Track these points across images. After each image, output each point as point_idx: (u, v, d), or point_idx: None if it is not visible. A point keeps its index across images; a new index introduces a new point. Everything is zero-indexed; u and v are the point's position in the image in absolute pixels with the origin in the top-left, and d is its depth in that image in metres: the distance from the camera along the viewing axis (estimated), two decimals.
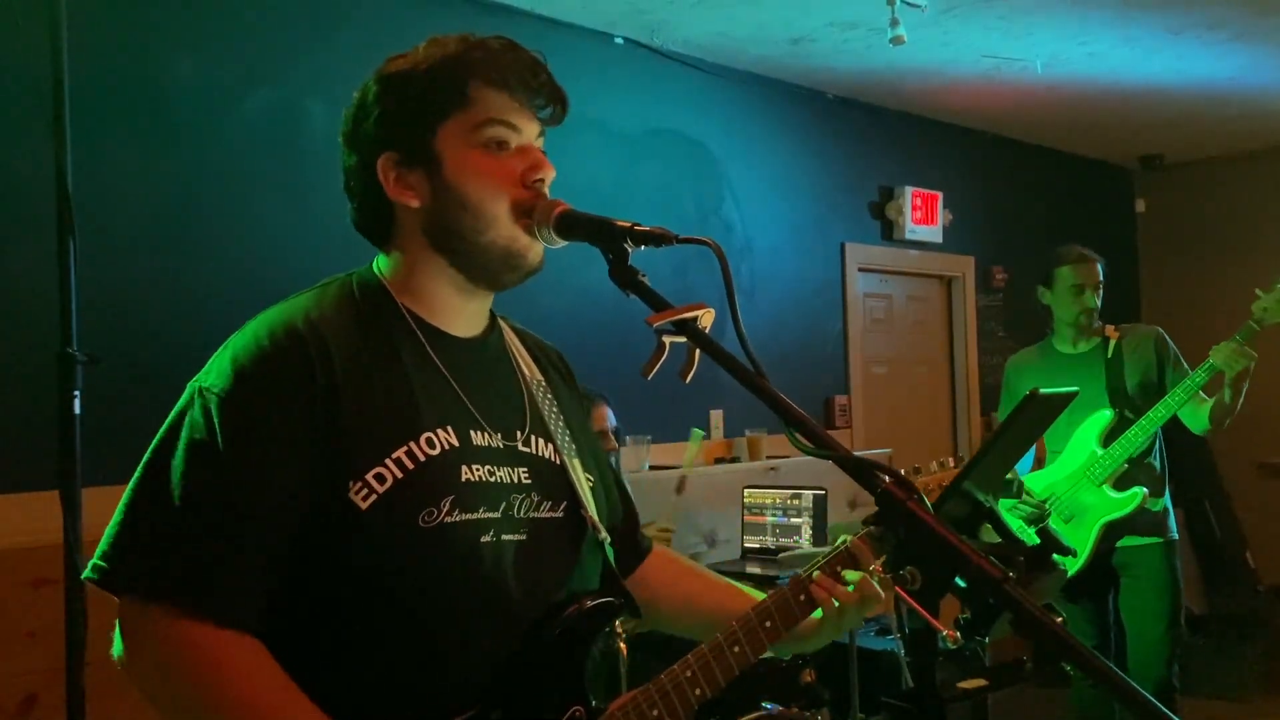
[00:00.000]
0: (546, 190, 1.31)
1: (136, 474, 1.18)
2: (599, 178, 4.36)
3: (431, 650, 1.20)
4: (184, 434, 1.17)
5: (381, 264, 1.35)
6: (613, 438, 3.47)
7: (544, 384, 1.43)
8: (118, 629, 1.16)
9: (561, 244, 1.29)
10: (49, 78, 2.45)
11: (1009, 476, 3.50)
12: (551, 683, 1.26)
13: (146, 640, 1.14)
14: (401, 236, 1.31)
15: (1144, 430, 3.46)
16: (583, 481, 1.38)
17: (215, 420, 1.16)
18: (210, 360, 1.24)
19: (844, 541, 1.42)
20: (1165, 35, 4.68)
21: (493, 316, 1.42)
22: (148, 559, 1.13)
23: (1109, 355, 3.62)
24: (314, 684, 1.16)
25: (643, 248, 1.20)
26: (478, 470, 1.25)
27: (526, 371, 1.42)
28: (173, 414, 1.20)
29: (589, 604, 1.29)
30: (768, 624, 1.38)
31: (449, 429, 1.25)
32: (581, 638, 1.29)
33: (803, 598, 1.39)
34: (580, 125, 4.34)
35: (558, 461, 1.36)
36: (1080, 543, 3.49)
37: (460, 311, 1.34)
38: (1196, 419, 3.52)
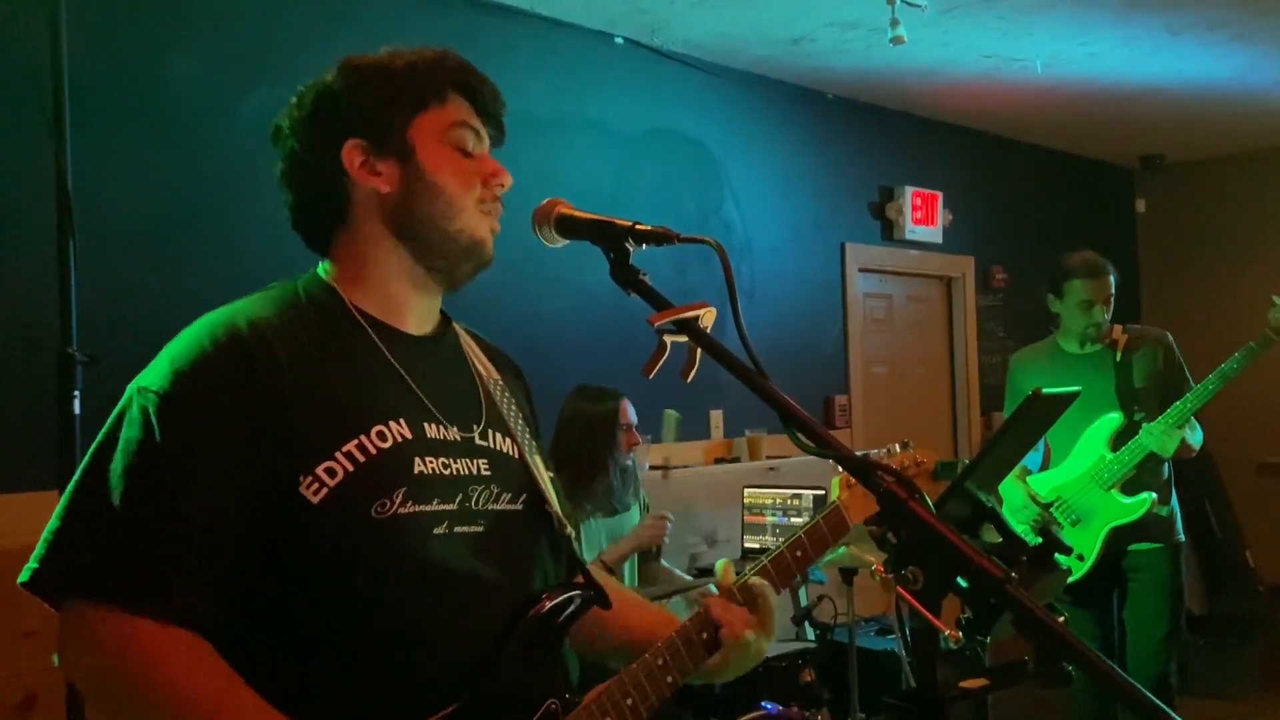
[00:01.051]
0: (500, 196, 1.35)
1: (75, 476, 1.17)
2: (599, 178, 4.36)
3: (389, 643, 1.19)
4: (123, 434, 1.16)
5: (327, 267, 1.36)
6: (636, 433, 3.48)
7: (501, 383, 1.43)
8: (71, 631, 1.13)
9: (562, 243, 1.29)
10: (49, 78, 2.46)
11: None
12: (525, 678, 1.26)
13: (87, 643, 1.12)
14: (357, 226, 1.32)
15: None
16: (544, 476, 1.38)
17: (154, 420, 1.15)
18: (151, 363, 1.23)
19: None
20: (1165, 35, 4.68)
21: (445, 317, 1.42)
22: (86, 560, 1.11)
23: (1118, 358, 3.58)
24: (272, 682, 1.14)
25: (644, 247, 1.20)
26: (431, 463, 1.25)
27: (483, 370, 1.42)
28: (112, 416, 1.19)
29: (559, 597, 1.29)
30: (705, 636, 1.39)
31: (401, 421, 1.24)
32: (553, 631, 1.29)
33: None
34: (580, 125, 4.35)
35: (517, 455, 1.36)
36: (1087, 546, 3.47)
37: (413, 308, 1.34)
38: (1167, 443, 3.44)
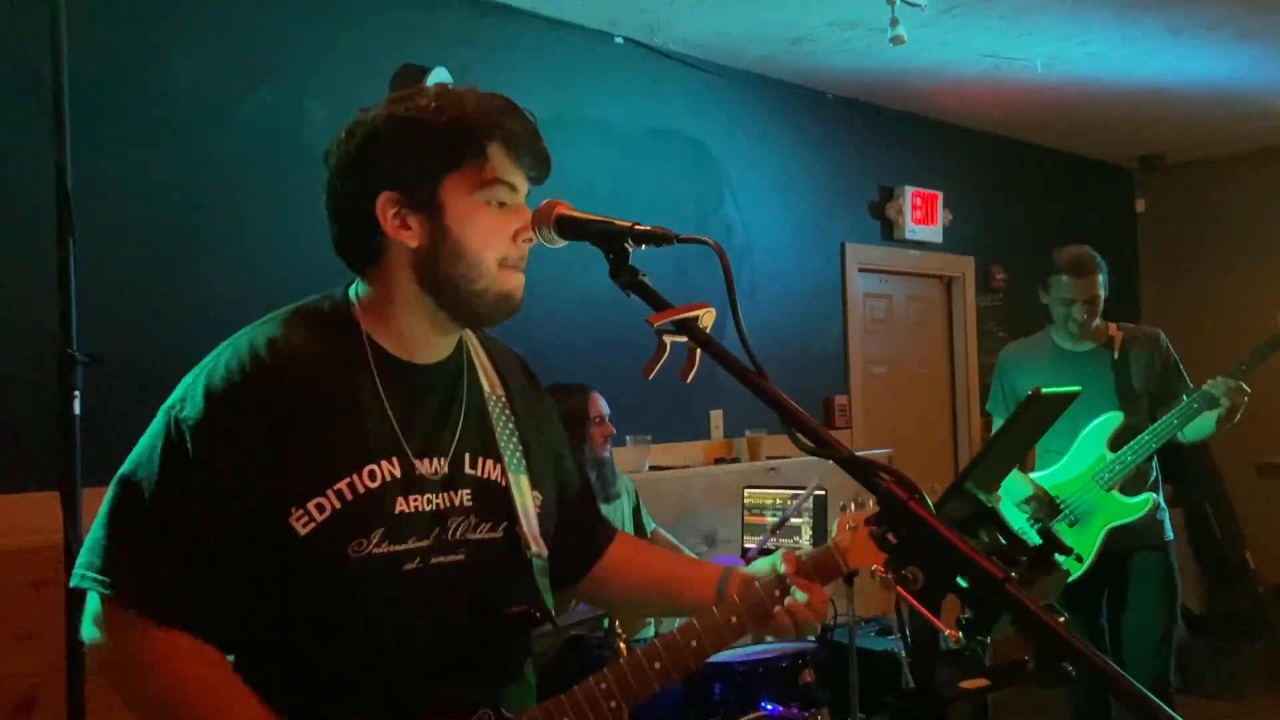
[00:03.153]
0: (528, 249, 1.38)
1: (113, 488, 1.29)
2: (599, 178, 4.36)
3: (352, 667, 1.30)
4: (158, 457, 1.27)
5: (360, 289, 1.41)
6: (610, 424, 3.49)
7: (502, 398, 1.48)
8: (90, 618, 1.27)
9: (562, 244, 1.30)
10: (49, 78, 2.45)
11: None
12: (464, 690, 1.33)
13: (114, 640, 1.26)
14: (387, 270, 1.37)
15: (1157, 436, 3.39)
16: (528, 498, 1.44)
17: (188, 445, 1.26)
18: (184, 384, 1.33)
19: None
20: (1165, 35, 4.68)
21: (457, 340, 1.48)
22: (120, 567, 1.24)
23: (1115, 356, 3.56)
24: (262, 683, 1.27)
25: (643, 247, 1.21)
26: (415, 500, 1.33)
27: (486, 387, 1.47)
28: (148, 435, 1.30)
29: (503, 614, 1.37)
30: (733, 620, 1.45)
31: (393, 460, 1.32)
32: (495, 646, 1.36)
33: (776, 607, 1.46)
34: (580, 125, 4.34)
35: (503, 483, 1.42)
36: (1085, 546, 3.45)
37: (430, 344, 1.41)
38: (1203, 427, 3.43)
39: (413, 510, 1.33)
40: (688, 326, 1.13)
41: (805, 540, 4.17)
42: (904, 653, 3.74)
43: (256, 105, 3.44)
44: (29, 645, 2.73)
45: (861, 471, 1.00)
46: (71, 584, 1.27)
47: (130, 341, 3.07)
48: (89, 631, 1.27)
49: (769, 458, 4.64)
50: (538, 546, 1.43)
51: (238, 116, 3.40)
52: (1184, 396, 3.43)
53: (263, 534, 1.25)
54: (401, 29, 3.77)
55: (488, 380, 1.48)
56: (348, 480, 1.28)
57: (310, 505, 1.26)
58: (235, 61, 3.41)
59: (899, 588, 0.96)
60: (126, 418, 3.00)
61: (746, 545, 4.24)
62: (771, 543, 3.64)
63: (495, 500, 1.41)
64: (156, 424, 1.30)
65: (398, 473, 1.32)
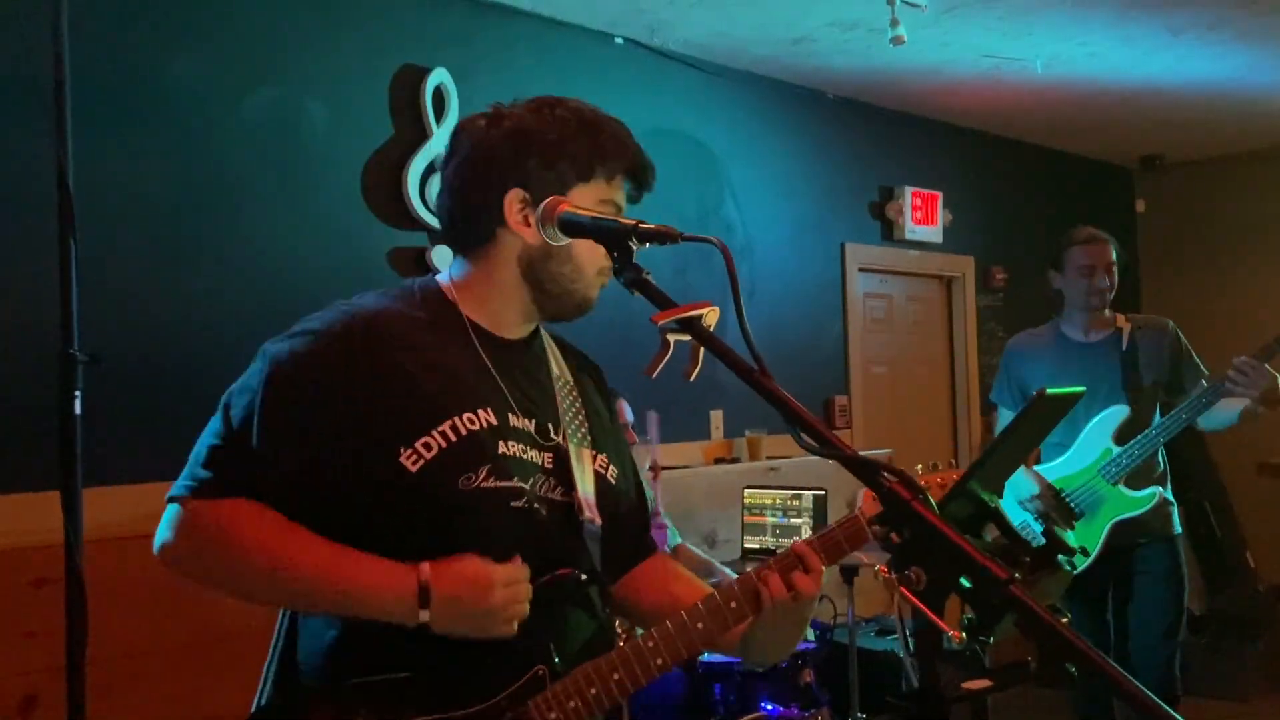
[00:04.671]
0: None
1: (220, 408, 1.40)
2: None
3: None
4: (249, 384, 1.38)
5: (455, 270, 1.52)
6: (634, 432, 3.50)
7: (571, 383, 1.59)
8: (164, 524, 1.38)
9: (565, 241, 1.30)
10: (50, 77, 2.45)
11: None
12: (518, 642, 1.37)
13: (184, 525, 1.36)
14: (494, 255, 1.48)
15: (1165, 431, 3.37)
16: (586, 467, 1.52)
17: (268, 383, 1.37)
18: (289, 331, 1.44)
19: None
20: (1165, 35, 4.68)
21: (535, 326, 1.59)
22: (201, 469, 1.36)
23: (1124, 348, 3.53)
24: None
25: (647, 246, 1.21)
26: (514, 446, 1.44)
27: (557, 370, 1.59)
28: (251, 371, 1.41)
29: (556, 573, 1.43)
30: (732, 604, 1.46)
31: (489, 410, 1.43)
32: (547, 603, 1.41)
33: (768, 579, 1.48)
34: None
35: (567, 449, 1.51)
36: (1090, 539, 3.43)
37: (516, 324, 1.53)
38: (1225, 417, 3.41)
39: (513, 454, 1.43)
40: (691, 325, 1.13)
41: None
42: (905, 653, 3.74)
43: (256, 105, 3.44)
44: (29, 645, 2.73)
45: (864, 471, 1.00)
46: (167, 497, 1.37)
47: (130, 341, 3.07)
48: (161, 536, 1.37)
49: (769, 458, 4.64)
50: (591, 514, 1.49)
51: (238, 116, 3.40)
52: (1190, 390, 3.42)
53: (369, 474, 1.35)
54: (401, 29, 3.77)
55: (557, 365, 1.59)
56: (450, 422, 1.38)
57: (418, 444, 1.36)
58: (235, 61, 3.41)
59: (902, 588, 0.96)
60: (126, 418, 3.04)
61: (747, 545, 4.24)
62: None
63: (564, 466, 1.49)
64: (258, 362, 1.40)
65: (494, 420, 1.42)
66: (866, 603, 3.99)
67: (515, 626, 1.35)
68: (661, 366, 1.19)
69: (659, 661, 1.41)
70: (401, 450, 1.35)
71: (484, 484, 1.38)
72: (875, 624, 4.33)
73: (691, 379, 1.15)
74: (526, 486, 1.43)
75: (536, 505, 1.43)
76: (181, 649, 3.00)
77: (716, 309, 1.17)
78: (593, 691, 1.38)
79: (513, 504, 1.41)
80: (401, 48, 3.75)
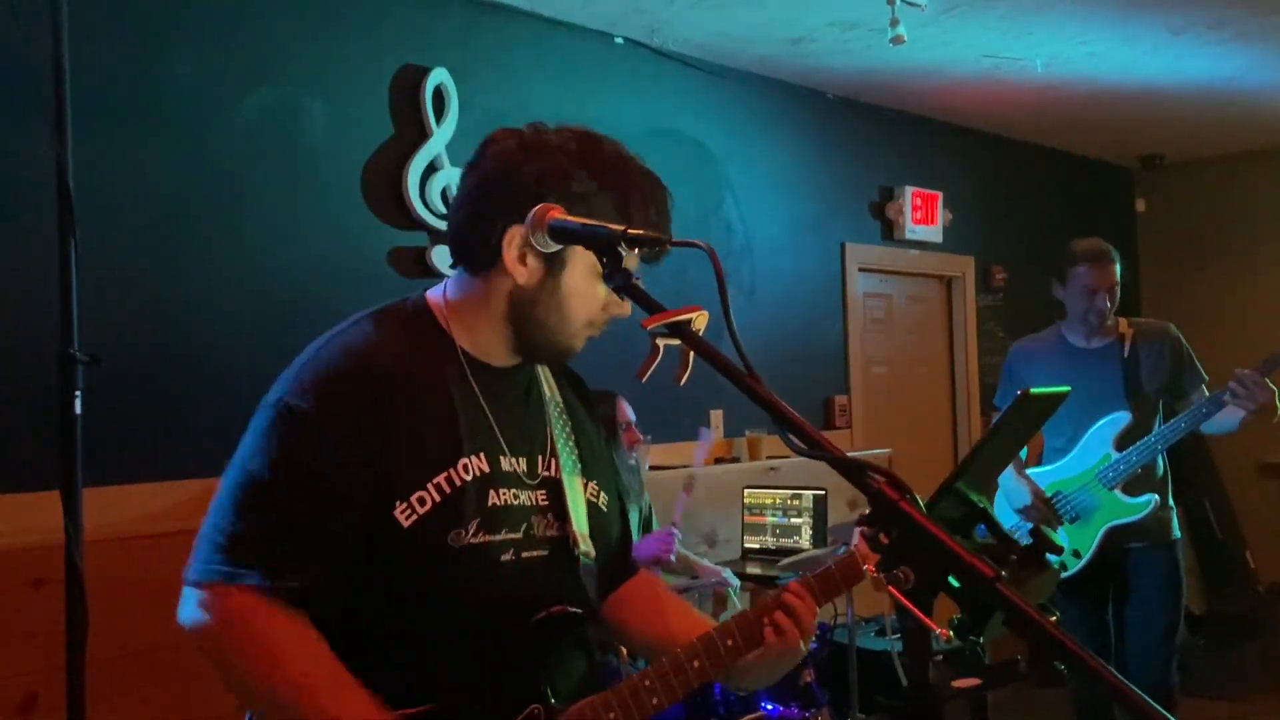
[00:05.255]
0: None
1: (225, 481, 1.33)
2: None
3: (435, 653, 1.36)
4: (272, 445, 1.32)
5: (452, 287, 1.46)
6: (637, 431, 3.48)
7: (562, 405, 1.56)
8: (195, 602, 1.30)
9: (555, 248, 1.30)
10: (50, 77, 2.46)
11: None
12: (513, 682, 1.37)
13: (224, 620, 1.29)
14: (490, 284, 1.42)
15: (1164, 439, 3.38)
16: (579, 497, 1.49)
17: (300, 433, 1.31)
18: (283, 379, 1.37)
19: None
20: (1165, 35, 4.69)
21: None
22: (240, 551, 1.29)
23: (1125, 354, 3.53)
24: (351, 659, 1.31)
25: (636, 251, 1.21)
26: (504, 494, 1.41)
27: (548, 392, 1.55)
28: (254, 430, 1.34)
29: (550, 611, 1.41)
30: (729, 642, 1.46)
31: (481, 456, 1.40)
32: (542, 641, 1.41)
33: (766, 621, 1.48)
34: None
35: (559, 480, 1.49)
36: (1084, 543, 3.45)
37: (504, 356, 1.47)
38: (1225, 424, 3.41)
39: (503, 503, 1.40)
40: (680, 329, 1.14)
41: (805, 539, 4.18)
42: (897, 650, 3.74)
43: (256, 105, 3.45)
44: (29, 645, 2.74)
45: (853, 472, 1.00)
46: (192, 579, 1.30)
47: (130, 341, 3.08)
48: (191, 615, 1.30)
49: (769, 458, 4.64)
50: (585, 545, 1.48)
51: (238, 116, 3.41)
52: (1192, 393, 3.44)
53: (368, 526, 1.31)
54: (401, 29, 3.78)
55: (548, 386, 1.55)
56: (445, 474, 1.35)
57: (413, 499, 1.33)
58: (235, 61, 3.42)
59: (890, 588, 0.96)
60: (126, 418, 3.05)
61: (747, 545, 4.25)
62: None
63: (558, 499, 1.47)
64: (261, 418, 1.34)
65: (486, 468, 1.39)
66: (866, 603, 3.99)
67: None
68: (652, 370, 1.20)
69: (655, 701, 1.40)
70: (397, 505, 1.33)
71: (473, 539, 1.36)
72: (875, 624, 4.34)
73: (681, 383, 1.16)
74: (519, 535, 1.41)
75: (527, 553, 1.41)
76: (181, 649, 3.00)
77: (705, 313, 1.17)
78: None
79: (502, 558, 1.39)
80: (401, 48, 3.76)
